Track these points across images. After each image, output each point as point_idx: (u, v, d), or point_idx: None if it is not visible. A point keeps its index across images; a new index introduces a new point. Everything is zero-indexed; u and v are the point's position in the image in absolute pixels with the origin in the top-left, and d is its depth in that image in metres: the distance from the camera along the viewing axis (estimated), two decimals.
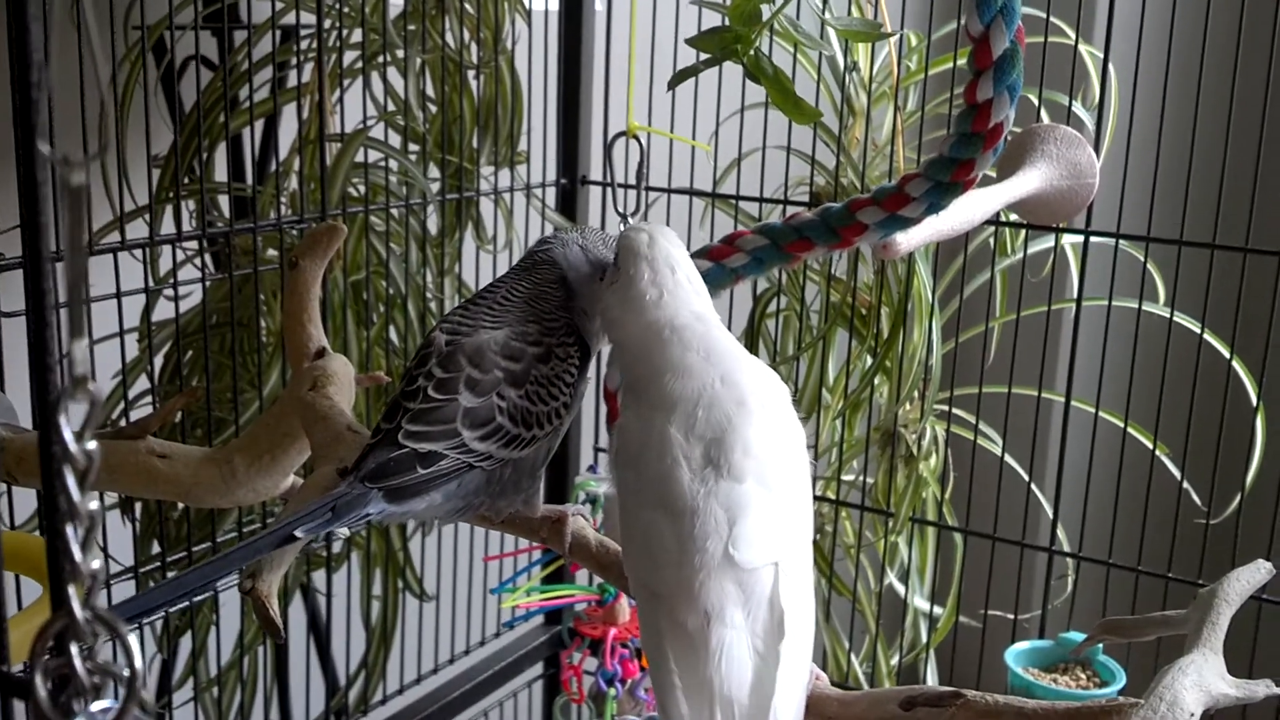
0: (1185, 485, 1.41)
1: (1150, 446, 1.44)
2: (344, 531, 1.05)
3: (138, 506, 1.31)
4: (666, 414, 0.74)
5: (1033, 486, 1.50)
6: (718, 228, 1.55)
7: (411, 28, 1.39)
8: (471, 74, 1.45)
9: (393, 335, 1.45)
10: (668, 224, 1.61)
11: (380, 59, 1.37)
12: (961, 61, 0.92)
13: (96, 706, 0.43)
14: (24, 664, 0.44)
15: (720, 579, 0.69)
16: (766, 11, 0.95)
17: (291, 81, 1.36)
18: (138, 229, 1.22)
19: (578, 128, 1.63)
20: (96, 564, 0.41)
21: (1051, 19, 1.38)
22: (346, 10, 1.34)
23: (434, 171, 1.45)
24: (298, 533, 0.73)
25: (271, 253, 1.36)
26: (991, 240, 1.56)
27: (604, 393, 0.82)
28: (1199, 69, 1.30)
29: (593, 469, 1.63)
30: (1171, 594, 1.35)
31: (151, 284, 1.24)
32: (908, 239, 1.03)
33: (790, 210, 1.28)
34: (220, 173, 1.37)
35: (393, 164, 1.40)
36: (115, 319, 1.16)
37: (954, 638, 1.64)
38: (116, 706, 0.42)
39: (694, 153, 1.54)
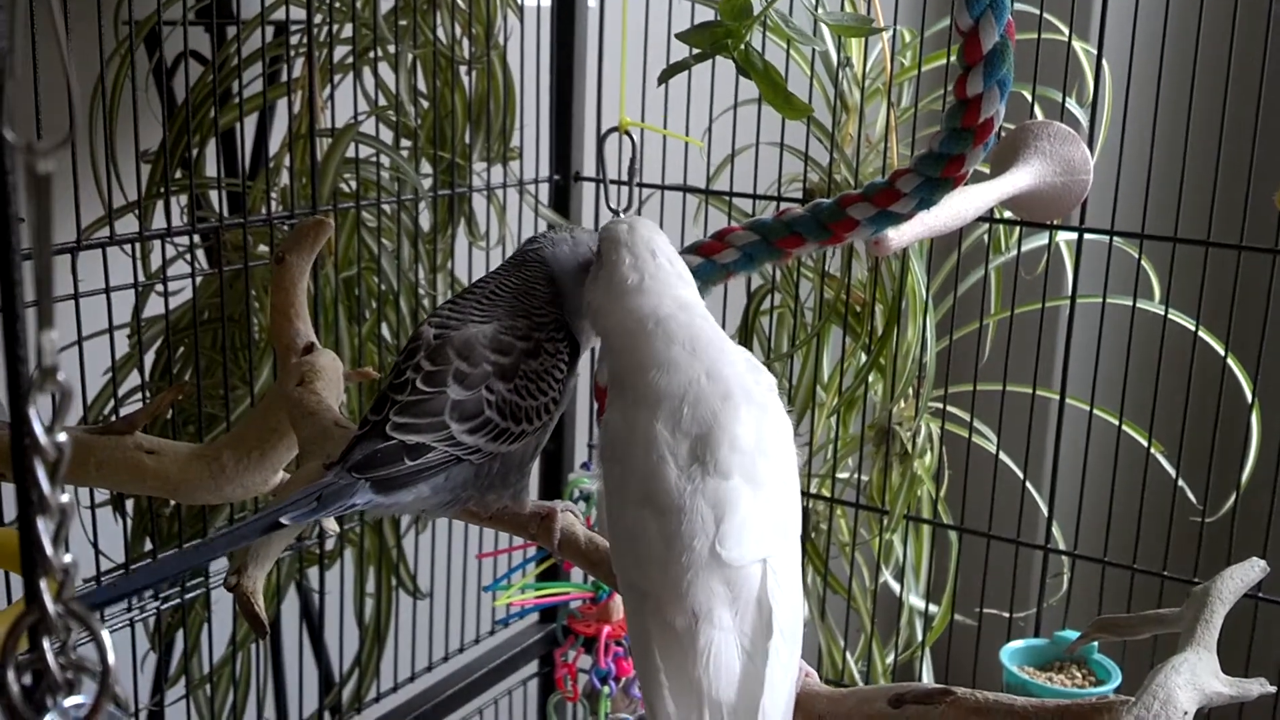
0: (1180, 483, 1.41)
1: (1145, 444, 1.44)
2: (332, 524, 1.04)
3: (129, 503, 1.31)
4: (652, 409, 0.73)
5: (1028, 484, 1.50)
6: (711, 224, 1.54)
7: (403, 23, 1.39)
8: (464, 69, 1.44)
9: (385, 331, 1.44)
10: (661, 220, 1.61)
11: (372, 54, 1.37)
12: (954, 58, 0.91)
13: (70, 702, 0.42)
14: None
15: (708, 577, 0.68)
16: (758, 6, 0.94)
17: (283, 77, 1.36)
18: (128, 224, 1.22)
19: (570, 123, 1.62)
20: (68, 558, 0.41)
21: (1045, 15, 1.37)
22: (338, 5, 1.34)
23: (426, 167, 1.45)
24: (283, 520, 0.72)
25: (262, 248, 1.35)
26: (986, 237, 1.56)
27: (594, 388, 0.82)
28: (1193, 64, 1.30)
29: (586, 466, 1.63)
30: (1167, 592, 1.35)
31: (142, 279, 1.23)
32: (899, 235, 1.03)
33: (784, 207, 1.28)
34: (211, 168, 1.36)
35: (384, 159, 1.40)
36: (105, 315, 1.15)
37: (949, 636, 1.64)
38: (90, 701, 0.42)
39: (687, 149, 1.53)
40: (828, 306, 1.59)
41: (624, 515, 0.72)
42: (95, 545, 1.21)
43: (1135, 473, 1.41)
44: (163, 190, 1.24)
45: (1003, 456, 1.55)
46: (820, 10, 1.04)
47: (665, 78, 1.00)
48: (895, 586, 1.66)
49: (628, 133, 1.12)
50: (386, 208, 1.42)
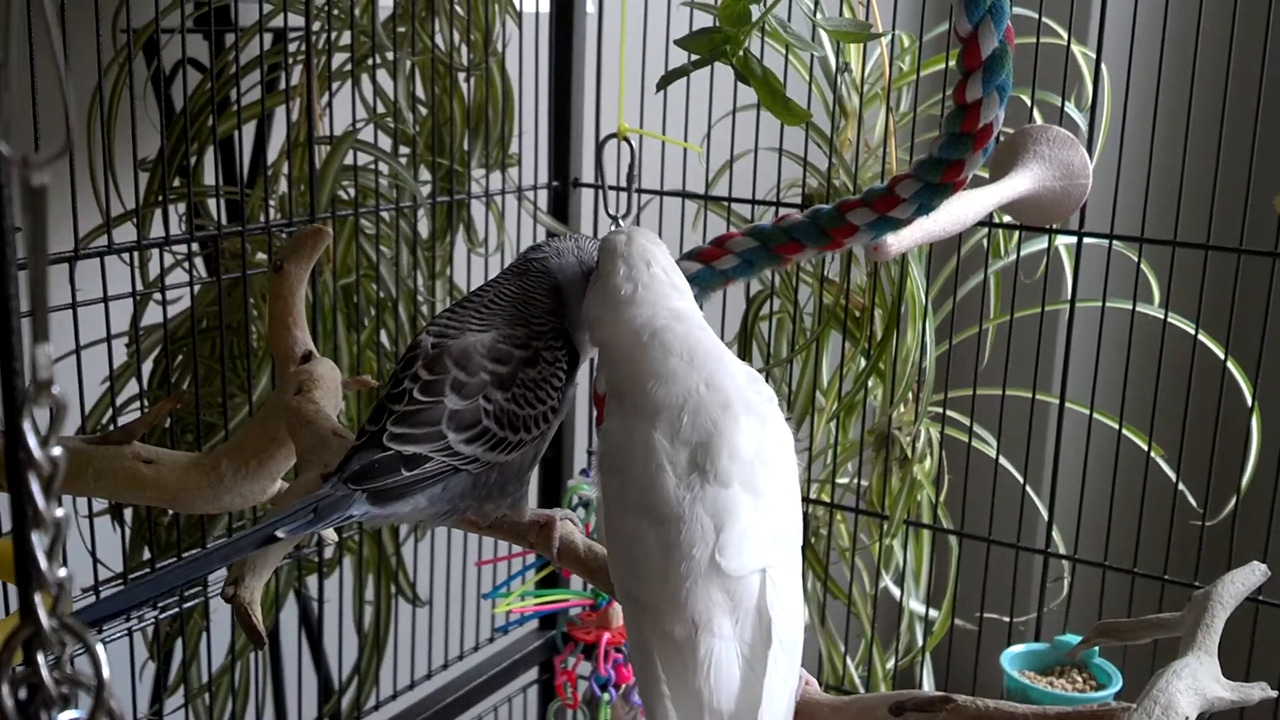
0: (1181, 487, 1.41)
1: (1145, 448, 1.44)
2: (331, 533, 1.04)
3: (128, 513, 1.30)
4: (651, 419, 0.73)
5: (1028, 489, 1.50)
6: (710, 230, 1.54)
7: (401, 29, 1.39)
8: (462, 76, 1.44)
9: (384, 339, 1.44)
10: (660, 226, 1.61)
11: (370, 61, 1.37)
12: (953, 63, 0.91)
13: (65, 716, 0.42)
14: None
15: (707, 587, 0.68)
16: (756, 12, 0.94)
17: (281, 84, 1.36)
18: (126, 233, 1.22)
19: (569, 130, 1.62)
20: (63, 571, 0.41)
21: (1044, 19, 1.37)
22: (336, 12, 1.34)
23: (424, 174, 1.44)
24: (279, 533, 0.72)
25: (261, 256, 1.35)
26: (985, 242, 1.56)
27: (593, 395, 0.81)
28: (1192, 69, 1.30)
29: (586, 473, 1.62)
30: (1168, 596, 1.35)
31: (140, 288, 1.23)
32: (898, 240, 1.03)
33: (783, 212, 1.28)
34: (209, 176, 1.36)
35: (383, 167, 1.40)
36: (103, 323, 1.15)
37: (950, 641, 1.64)
38: (85, 716, 0.42)
39: (686, 154, 1.53)
40: (827, 311, 1.59)
41: (623, 524, 0.72)
42: (93, 554, 1.20)
43: (1135, 476, 1.41)
44: (161, 198, 1.24)
45: (1003, 461, 1.55)
46: (819, 16, 1.04)
47: (664, 84, 1.00)
48: (895, 591, 1.66)
49: (626, 139, 1.12)
50: (385, 215, 1.42)
